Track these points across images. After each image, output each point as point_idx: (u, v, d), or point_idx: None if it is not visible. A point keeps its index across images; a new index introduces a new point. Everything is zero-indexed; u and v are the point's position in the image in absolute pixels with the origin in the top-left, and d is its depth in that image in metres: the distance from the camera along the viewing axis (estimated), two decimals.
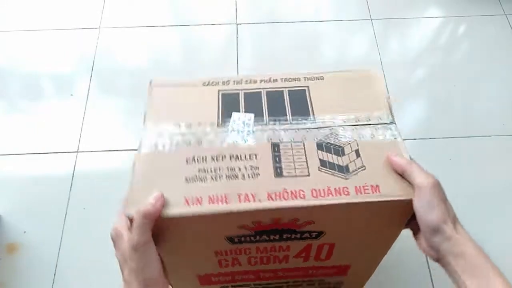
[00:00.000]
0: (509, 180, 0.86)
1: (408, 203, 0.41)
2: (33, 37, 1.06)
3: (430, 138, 0.91)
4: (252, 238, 0.46)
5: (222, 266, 0.52)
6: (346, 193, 0.40)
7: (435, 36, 1.08)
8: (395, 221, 0.47)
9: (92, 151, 0.89)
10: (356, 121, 0.46)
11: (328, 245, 0.50)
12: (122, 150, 0.89)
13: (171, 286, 0.56)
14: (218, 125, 0.46)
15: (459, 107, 0.96)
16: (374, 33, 1.07)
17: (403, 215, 0.44)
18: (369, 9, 1.11)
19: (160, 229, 0.41)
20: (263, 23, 1.09)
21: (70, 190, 0.84)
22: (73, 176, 0.86)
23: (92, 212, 0.82)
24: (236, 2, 1.12)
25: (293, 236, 0.46)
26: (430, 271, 0.75)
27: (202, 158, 0.43)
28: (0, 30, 1.08)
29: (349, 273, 0.62)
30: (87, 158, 0.88)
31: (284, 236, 0.46)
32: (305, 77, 0.50)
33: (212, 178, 0.42)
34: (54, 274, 0.76)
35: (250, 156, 0.43)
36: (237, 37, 1.06)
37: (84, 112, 0.94)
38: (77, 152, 0.89)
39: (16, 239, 0.79)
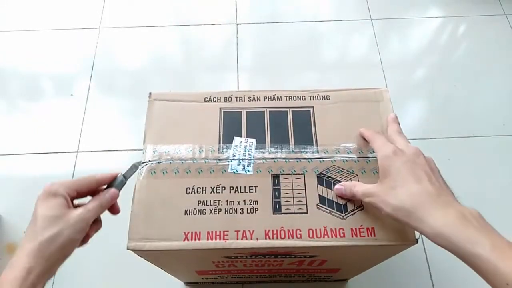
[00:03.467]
0: (509, 180, 0.86)
1: (404, 245, 0.41)
2: (33, 37, 1.06)
3: (430, 138, 0.91)
4: (248, 257, 0.46)
5: (219, 267, 0.53)
6: (342, 235, 0.40)
7: (435, 36, 1.08)
8: (389, 255, 0.48)
9: (92, 151, 0.89)
10: (359, 153, 0.45)
11: (320, 260, 0.51)
12: (122, 150, 0.89)
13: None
14: (219, 150, 0.45)
15: (459, 107, 0.96)
16: (374, 33, 1.07)
17: (398, 251, 0.44)
18: (369, 9, 1.11)
19: (158, 254, 0.41)
20: (263, 23, 1.09)
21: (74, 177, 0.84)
22: (73, 176, 0.86)
23: None
24: (236, 2, 1.12)
25: (287, 257, 0.47)
26: (430, 271, 0.76)
27: (202, 189, 0.43)
28: (0, 30, 1.08)
29: (340, 272, 0.63)
30: (87, 158, 0.88)
31: (279, 256, 0.47)
32: (310, 96, 0.49)
33: (211, 211, 0.41)
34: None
35: (249, 188, 0.43)
36: (237, 37, 1.06)
37: (84, 112, 0.94)
38: (77, 152, 0.89)
39: (16, 239, 0.79)
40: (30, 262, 0.34)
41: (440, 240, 0.34)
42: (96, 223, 0.41)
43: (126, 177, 0.43)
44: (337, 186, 0.42)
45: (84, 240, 0.40)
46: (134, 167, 0.43)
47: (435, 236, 0.34)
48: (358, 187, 0.40)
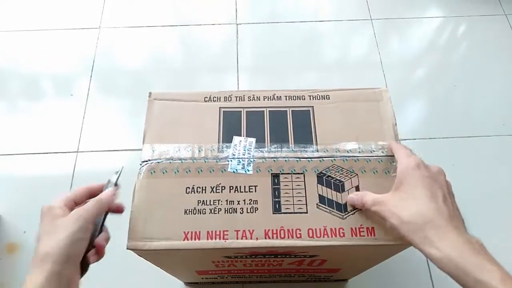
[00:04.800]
0: (510, 180, 0.86)
1: (403, 245, 0.41)
2: (33, 37, 1.06)
3: (430, 138, 0.91)
4: (248, 256, 0.46)
5: (219, 267, 0.53)
6: (341, 234, 0.40)
7: (435, 36, 1.08)
8: (389, 255, 0.48)
9: (92, 151, 0.89)
10: (359, 152, 0.45)
11: (320, 260, 0.51)
12: (122, 150, 0.89)
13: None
14: (218, 149, 0.45)
15: (459, 107, 0.96)
16: (374, 33, 1.07)
17: (398, 251, 0.44)
18: (369, 9, 1.11)
19: (158, 254, 0.41)
20: (263, 23, 1.09)
21: (70, 190, 0.84)
22: (73, 176, 0.86)
23: None
24: (236, 2, 1.12)
25: (287, 256, 0.47)
26: (430, 271, 0.75)
27: (202, 188, 0.43)
28: (0, 30, 1.08)
29: (340, 272, 0.63)
30: (87, 158, 0.88)
31: (279, 256, 0.47)
32: (310, 95, 0.49)
33: (211, 211, 0.41)
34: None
35: (249, 188, 0.43)
36: (237, 37, 1.06)
37: (84, 112, 0.94)
38: (77, 152, 0.89)
39: (16, 239, 0.79)
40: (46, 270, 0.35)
41: (446, 263, 0.33)
42: (104, 232, 0.41)
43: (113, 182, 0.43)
44: (349, 196, 0.42)
45: (99, 253, 0.40)
46: (115, 173, 0.43)
47: (442, 258, 0.33)
48: (367, 196, 0.40)
